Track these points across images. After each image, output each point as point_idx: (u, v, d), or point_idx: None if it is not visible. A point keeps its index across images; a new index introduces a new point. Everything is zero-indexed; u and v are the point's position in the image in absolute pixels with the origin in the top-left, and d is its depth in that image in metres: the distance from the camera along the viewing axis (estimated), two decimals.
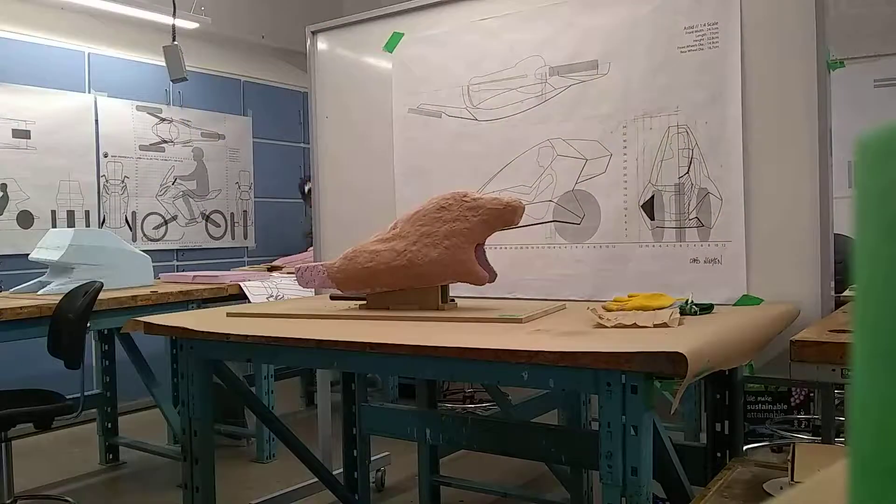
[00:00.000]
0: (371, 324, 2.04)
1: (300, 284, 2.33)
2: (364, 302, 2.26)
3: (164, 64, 4.01)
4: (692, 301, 1.94)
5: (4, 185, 4.50)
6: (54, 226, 4.66)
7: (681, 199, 2.35)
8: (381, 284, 2.19)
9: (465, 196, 2.13)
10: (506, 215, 2.11)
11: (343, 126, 3.07)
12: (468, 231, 2.11)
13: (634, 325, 1.72)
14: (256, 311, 2.49)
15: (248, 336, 1.94)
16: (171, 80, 4.08)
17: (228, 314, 2.31)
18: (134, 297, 3.33)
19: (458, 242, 2.11)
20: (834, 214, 2.16)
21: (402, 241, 2.14)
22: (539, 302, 2.35)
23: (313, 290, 2.77)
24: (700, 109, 2.31)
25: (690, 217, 2.33)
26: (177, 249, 5.51)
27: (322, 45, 3.17)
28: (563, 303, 2.30)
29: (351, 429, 2.97)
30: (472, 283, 2.15)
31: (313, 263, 2.47)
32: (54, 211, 4.74)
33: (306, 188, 4.84)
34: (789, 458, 1.37)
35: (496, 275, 2.17)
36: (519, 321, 1.92)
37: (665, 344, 1.45)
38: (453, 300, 2.24)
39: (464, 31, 2.77)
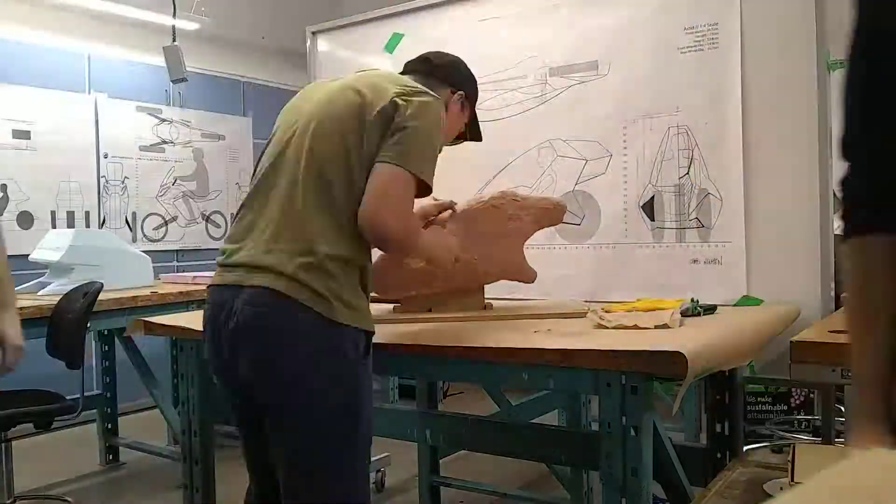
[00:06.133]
0: (443, 326, 1.96)
1: None
2: (398, 304, 2.15)
3: (164, 64, 4.01)
4: (697, 302, 1.94)
5: (4, 186, 4.49)
6: (54, 226, 4.66)
7: (681, 199, 2.35)
8: (433, 286, 2.08)
9: (514, 195, 2.12)
10: (554, 214, 2.14)
11: None
12: (521, 230, 2.11)
13: (635, 327, 1.72)
14: None
15: None
16: (172, 81, 4.08)
17: None
18: (134, 298, 3.33)
19: (513, 241, 2.11)
20: (834, 214, 2.16)
21: (456, 240, 2.05)
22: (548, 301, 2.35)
23: None
24: (700, 110, 2.31)
25: (690, 218, 2.33)
26: (177, 250, 5.51)
27: (322, 45, 3.17)
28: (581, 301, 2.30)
29: None
30: (522, 281, 2.16)
31: None
32: (54, 211, 4.74)
33: None
34: (789, 458, 1.37)
35: (535, 273, 2.17)
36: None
37: (665, 344, 1.45)
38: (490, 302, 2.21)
39: (464, 32, 2.77)
